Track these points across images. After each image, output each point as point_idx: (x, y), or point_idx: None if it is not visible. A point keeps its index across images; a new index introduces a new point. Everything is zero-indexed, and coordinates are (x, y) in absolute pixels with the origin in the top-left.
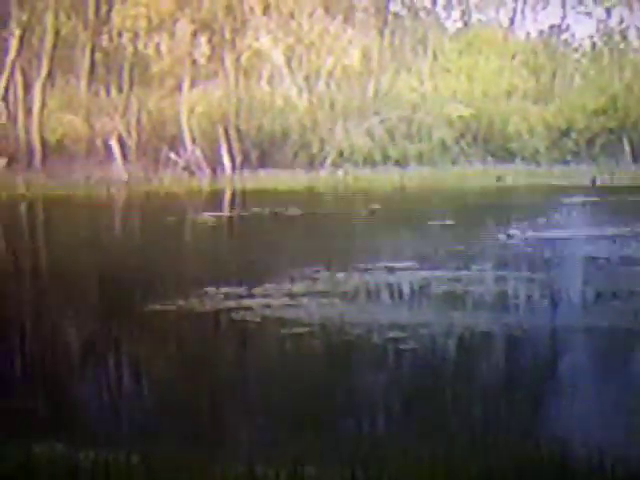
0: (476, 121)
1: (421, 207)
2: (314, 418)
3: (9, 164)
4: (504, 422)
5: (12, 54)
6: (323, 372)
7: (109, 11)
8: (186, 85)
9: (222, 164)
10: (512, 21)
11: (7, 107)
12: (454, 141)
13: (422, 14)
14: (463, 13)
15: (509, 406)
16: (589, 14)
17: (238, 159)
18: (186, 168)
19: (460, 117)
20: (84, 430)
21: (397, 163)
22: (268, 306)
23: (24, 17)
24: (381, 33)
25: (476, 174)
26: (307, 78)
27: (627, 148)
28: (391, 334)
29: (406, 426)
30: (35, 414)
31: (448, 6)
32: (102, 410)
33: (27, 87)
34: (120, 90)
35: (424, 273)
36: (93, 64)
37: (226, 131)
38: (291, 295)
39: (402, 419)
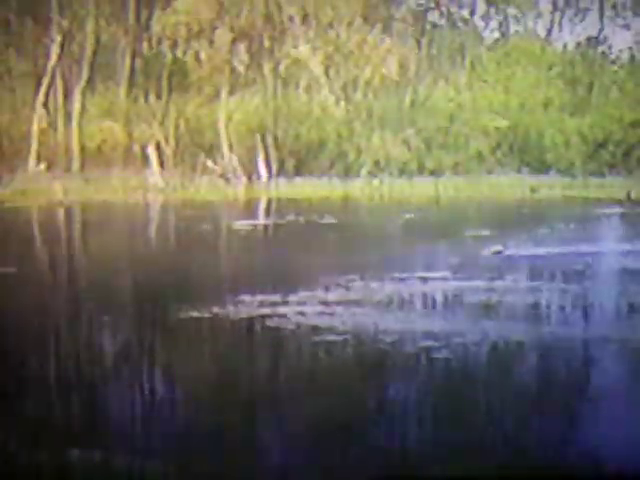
0: (512, 132)
1: (456, 217)
2: (346, 427)
3: (48, 169)
4: (537, 433)
5: (53, 60)
6: (356, 381)
7: (149, 18)
8: (224, 93)
9: (258, 172)
10: (550, 32)
11: (47, 113)
12: (490, 152)
13: (460, 24)
14: (501, 24)
15: (542, 417)
16: (627, 26)
17: (274, 167)
18: (223, 176)
19: (496, 128)
20: (119, 437)
21: (433, 173)
22: (302, 314)
23: (65, 23)
24: (419, 43)
25: (511, 185)
26: (344, 87)
27: None
28: (424, 343)
29: (438, 436)
30: (70, 420)
31: (486, 17)
32: (137, 417)
33: (67, 93)
34: (159, 97)
35: (458, 283)
36: (133, 71)
37: (263, 139)
38: (325, 303)
39: (434, 429)
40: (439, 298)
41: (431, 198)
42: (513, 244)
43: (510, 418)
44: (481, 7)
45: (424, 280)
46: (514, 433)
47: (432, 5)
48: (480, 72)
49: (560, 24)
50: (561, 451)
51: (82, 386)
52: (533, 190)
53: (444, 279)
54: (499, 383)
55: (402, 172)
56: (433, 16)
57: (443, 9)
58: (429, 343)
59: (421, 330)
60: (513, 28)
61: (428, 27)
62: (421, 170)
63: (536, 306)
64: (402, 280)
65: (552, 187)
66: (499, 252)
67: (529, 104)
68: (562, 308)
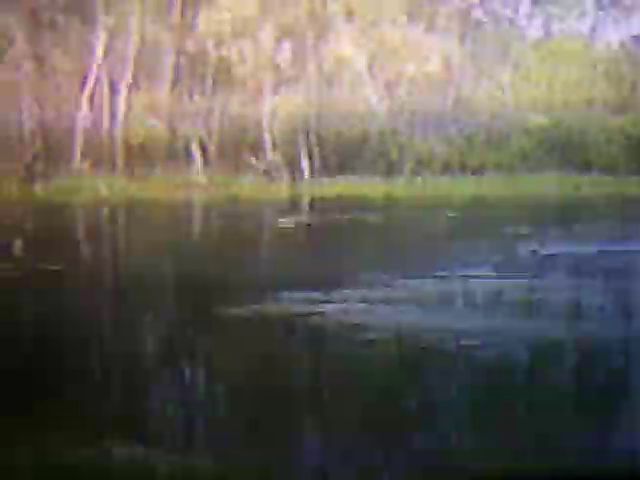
0: (555, 130)
1: (498, 215)
2: (387, 425)
3: (92, 167)
4: (576, 433)
5: (98, 59)
6: (397, 379)
7: (194, 16)
8: (268, 90)
9: (301, 170)
10: (593, 31)
11: (92, 111)
12: (533, 150)
13: (504, 22)
14: (545, 22)
15: (581, 416)
16: None
17: (317, 165)
18: (266, 173)
19: (539, 126)
20: (160, 434)
21: (475, 171)
22: (344, 312)
23: (110, 22)
24: (463, 40)
25: (554, 183)
26: (388, 85)
27: None
28: (465, 341)
29: (477, 435)
30: (112, 417)
31: (530, 15)
32: (179, 413)
33: (112, 91)
34: (203, 95)
35: (499, 281)
36: (177, 69)
37: (306, 137)
38: (367, 301)
39: (473, 428)
40: (480, 296)
41: (473, 196)
42: (554, 242)
43: (550, 417)
44: (525, 5)
45: (465, 278)
46: (554, 432)
47: (476, 3)
48: (523, 70)
49: (604, 22)
50: (600, 451)
51: (124, 383)
52: (576, 188)
53: (485, 277)
54: (539, 382)
55: (444, 170)
56: (477, 14)
57: (487, 7)
58: (470, 341)
59: (462, 328)
60: (557, 26)
61: (472, 25)
62: (463, 168)
63: (577, 304)
64: (443, 278)
65: (595, 185)
66: (535, 252)
67: (572, 102)
68: (603, 306)
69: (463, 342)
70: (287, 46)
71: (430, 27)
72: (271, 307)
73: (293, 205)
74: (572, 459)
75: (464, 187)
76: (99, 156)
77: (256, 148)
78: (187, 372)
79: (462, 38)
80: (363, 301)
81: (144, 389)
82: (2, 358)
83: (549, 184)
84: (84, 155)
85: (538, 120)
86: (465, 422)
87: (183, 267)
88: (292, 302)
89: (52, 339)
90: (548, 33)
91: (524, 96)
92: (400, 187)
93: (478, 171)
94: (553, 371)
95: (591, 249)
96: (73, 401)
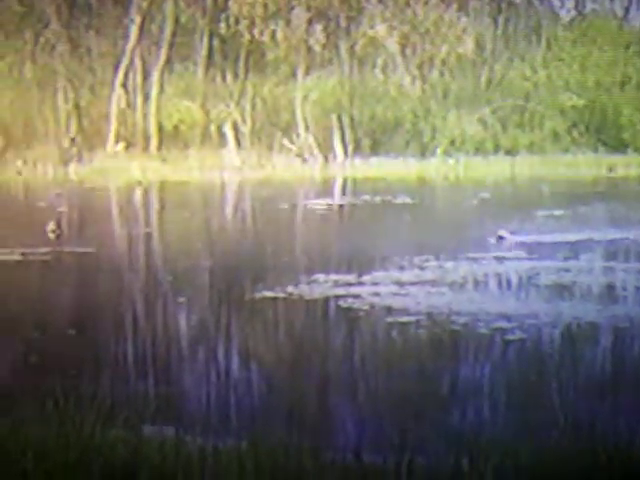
0: (588, 111)
1: (531, 196)
2: (419, 407)
3: (126, 149)
4: (609, 415)
5: (132, 41)
6: (429, 361)
7: None
8: (301, 73)
9: (334, 151)
10: (627, 11)
11: (126, 93)
12: (566, 131)
13: (536, 2)
14: (577, 2)
15: (615, 399)
16: None
17: (350, 147)
18: (299, 155)
19: (573, 106)
20: (194, 416)
21: (508, 152)
22: (376, 294)
23: (144, 5)
24: (495, 21)
25: (587, 164)
26: (421, 66)
27: None
28: (498, 324)
29: (510, 417)
30: (146, 398)
31: None
32: (211, 396)
33: (146, 74)
34: (236, 77)
35: (532, 263)
36: (210, 51)
37: (339, 119)
38: (399, 283)
39: (507, 410)
40: (513, 278)
41: (506, 177)
42: (586, 224)
43: (583, 400)
44: None
45: (499, 260)
46: (587, 415)
47: None
48: (556, 51)
49: (638, 2)
50: (634, 434)
51: (158, 365)
52: (610, 169)
53: (518, 259)
54: (572, 364)
55: (477, 151)
56: None
57: None
58: (502, 324)
59: (495, 311)
60: (590, 6)
61: (504, 5)
62: (496, 149)
63: (610, 287)
64: (476, 260)
65: (628, 166)
66: (501, 237)
67: (606, 83)
68: (637, 289)
69: (495, 324)
70: (320, 28)
71: (463, 8)
72: (303, 290)
73: (326, 187)
74: (606, 441)
75: (497, 168)
76: (133, 138)
77: (289, 130)
78: (217, 354)
79: (495, 19)
80: (395, 283)
81: (178, 370)
82: (34, 341)
83: (582, 165)
84: (118, 137)
85: (571, 101)
86: (497, 403)
87: (215, 250)
88: (324, 284)
89: (83, 322)
90: (581, 13)
91: (557, 77)
92: (433, 168)
93: (511, 152)
94: (586, 353)
95: (623, 231)
96: (107, 381)
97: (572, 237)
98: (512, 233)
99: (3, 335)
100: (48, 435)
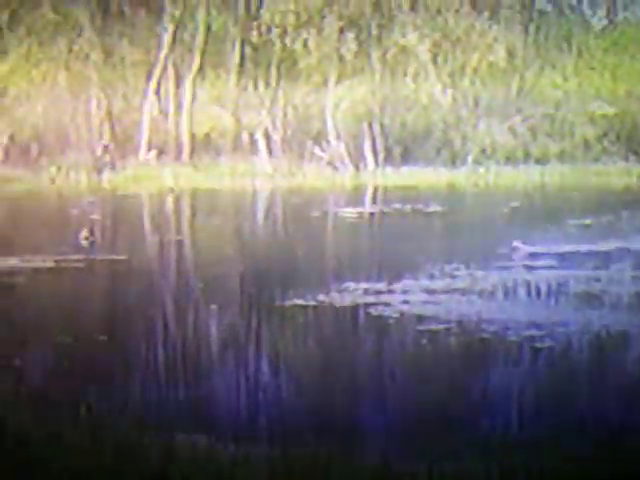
0: (619, 120)
1: (561, 205)
2: (449, 415)
3: (158, 157)
4: (638, 422)
5: (165, 49)
6: (459, 369)
7: (259, 7)
8: (332, 81)
9: (365, 160)
10: None
11: (159, 101)
12: (597, 139)
13: (567, 11)
14: (609, 11)
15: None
16: None
17: (381, 155)
18: (330, 163)
19: (603, 115)
20: (225, 422)
21: (538, 161)
22: (406, 302)
23: (177, 13)
24: (526, 30)
25: (618, 173)
26: (452, 74)
27: None
28: (528, 332)
29: (540, 424)
30: (177, 405)
31: (594, 3)
32: (242, 403)
33: (178, 81)
34: (268, 85)
35: (562, 272)
36: (242, 59)
37: (370, 127)
38: (430, 292)
39: (537, 417)
40: (543, 287)
41: (537, 186)
42: (617, 233)
43: (612, 407)
44: None
45: (529, 269)
46: (616, 422)
47: None
48: (587, 59)
49: None
50: None
51: (190, 371)
52: None
53: (548, 268)
54: (602, 372)
55: (508, 159)
56: (541, 3)
57: None
58: (532, 332)
59: (525, 319)
60: (622, 15)
61: (535, 14)
62: (527, 158)
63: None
64: (507, 269)
65: None
66: (515, 248)
67: (637, 91)
68: None
69: (525, 333)
70: (351, 36)
71: (494, 17)
72: (333, 297)
73: (357, 195)
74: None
75: (527, 177)
76: (165, 146)
77: (320, 138)
78: (252, 360)
79: (526, 27)
80: (426, 291)
81: (209, 377)
82: (67, 347)
83: (613, 174)
84: (151, 145)
85: (602, 109)
86: (526, 411)
87: (246, 257)
88: (354, 292)
89: (115, 328)
90: (613, 22)
91: (588, 86)
92: (463, 177)
93: (541, 161)
94: (615, 362)
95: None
96: (139, 388)
97: (602, 246)
98: (525, 243)
99: (37, 341)
100: (82, 440)
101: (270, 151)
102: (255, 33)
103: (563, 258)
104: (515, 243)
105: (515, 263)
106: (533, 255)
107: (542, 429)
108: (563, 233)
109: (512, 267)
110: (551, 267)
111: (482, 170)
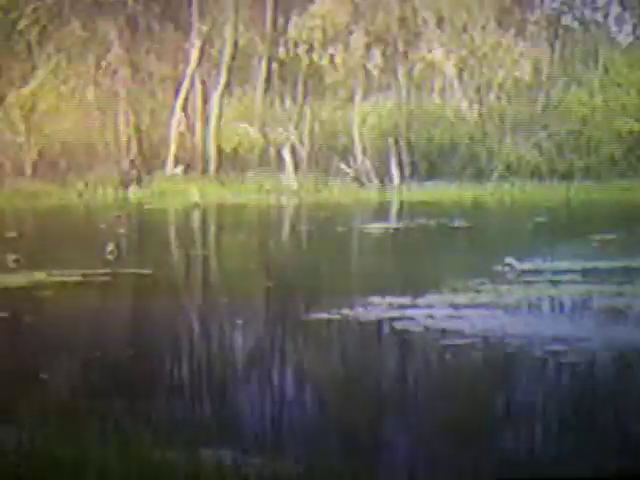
0: None
1: (586, 221)
2: (474, 430)
3: (185, 172)
4: None
5: (193, 65)
6: (483, 384)
7: (286, 23)
8: (358, 96)
9: (391, 175)
10: None
11: (186, 116)
12: (622, 155)
13: (593, 27)
14: (635, 27)
15: None
16: None
17: (406, 170)
18: (355, 178)
19: (629, 132)
20: (250, 437)
21: (564, 176)
22: (431, 317)
23: (205, 29)
24: (552, 46)
25: None
26: (478, 90)
27: None
28: (552, 347)
29: (564, 441)
30: (203, 420)
31: (620, 20)
32: (267, 417)
33: (206, 97)
34: (294, 100)
35: (587, 286)
36: (269, 75)
37: (396, 142)
38: (454, 306)
39: (560, 434)
40: (567, 302)
41: (562, 201)
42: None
43: (636, 423)
44: (615, 10)
45: (553, 283)
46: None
47: (565, 9)
48: (613, 75)
49: None
50: None
51: (214, 385)
52: None
53: (573, 283)
54: (626, 388)
55: (533, 175)
56: (566, 19)
57: (577, 12)
58: (557, 347)
59: (549, 334)
60: None
61: (561, 30)
62: (552, 173)
63: None
64: (531, 283)
65: None
66: (508, 265)
67: None
68: None
69: (550, 347)
70: (378, 52)
71: (520, 33)
72: (358, 312)
73: (382, 210)
74: None
75: (552, 192)
76: (192, 161)
77: (346, 153)
78: (277, 375)
79: (552, 44)
80: (450, 306)
81: (235, 391)
82: (94, 361)
83: (638, 190)
84: (177, 160)
85: (628, 125)
86: (551, 426)
87: (273, 271)
88: (379, 307)
89: (141, 342)
90: (638, 38)
91: (614, 102)
92: (488, 192)
93: (567, 176)
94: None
95: None
96: (165, 403)
97: (627, 261)
98: (519, 260)
99: (64, 355)
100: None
101: (296, 166)
102: (282, 49)
103: (587, 273)
104: (508, 260)
105: (542, 277)
106: (526, 272)
107: (566, 444)
108: (588, 248)
109: (536, 282)
110: (575, 282)
111: (507, 185)
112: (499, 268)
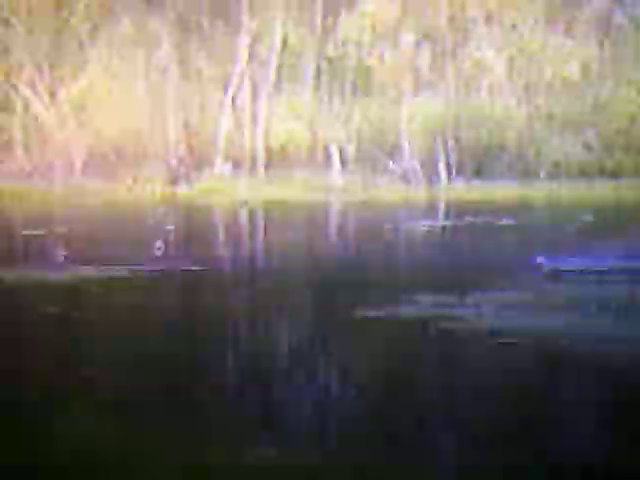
0: None
1: (635, 219)
2: (524, 429)
3: (233, 169)
4: None
5: (242, 63)
6: (532, 382)
7: (335, 21)
8: (407, 95)
9: (438, 174)
10: None
11: (235, 114)
12: None
13: None
14: None
15: None
16: None
17: (454, 169)
18: (403, 177)
19: None
20: (294, 435)
21: (613, 175)
22: (478, 315)
23: (254, 27)
24: (602, 44)
25: None
26: (526, 89)
27: None
28: (600, 346)
29: (609, 441)
30: (250, 416)
31: None
32: (313, 414)
33: (254, 95)
34: (343, 98)
35: (634, 286)
36: (318, 73)
37: (444, 141)
38: (502, 305)
39: (606, 433)
40: (614, 302)
41: (610, 200)
42: None
43: None
44: None
45: (600, 283)
46: None
47: (616, 7)
48: None
49: None
50: None
51: (262, 381)
52: None
53: (619, 282)
54: None
55: (582, 174)
56: (617, 18)
57: (627, 10)
58: (605, 346)
59: (597, 333)
60: None
61: (611, 29)
62: (601, 172)
63: None
64: (579, 283)
65: None
66: (540, 264)
67: None
68: None
69: (598, 347)
70: (427, 50)
71: (569, 32)
72: (405, 310)
73: (429, 209)
74: None
75: (601, 191)
76: (241, 158)
77: (394, 152)
78: (318, 374)
79: (601, 42)
80: (498, 304)
81: (280, 387)
82: (144, 357)
83: None
84: (226, 157)
85: None
86: (601, 425)
87: (318, 269)
88: (426, 305)
89: (188, 339)
90: None
91: None
92: (536, 191)
93: (615, 175)
94: None
95: None
96: (214, 398)
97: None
98: (549, 259)
99: (116, 349)
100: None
101: (344, 164)
102: (331, 47)
103: (635, 272)
104: (539, 259)
105: (588, 277)
106: (572, 271)
107: (614, 440)
108: (636, 248)
109: (582, 280)
110: (622, 281)
111: (555, 184)
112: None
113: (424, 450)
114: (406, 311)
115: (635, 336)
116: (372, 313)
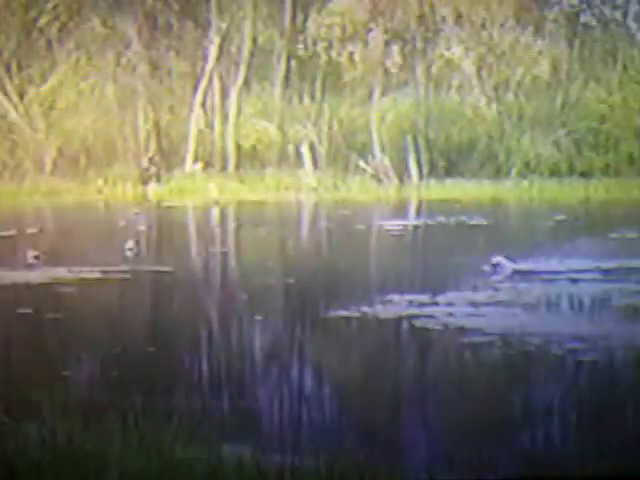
0: None
1: (605, 219)
2: (492, 428)
3: (204, 169)
4: None
5: (211, 62)
6: (502, 382)
7: (305, 20)
8: (377, 94)
9: (409, 173)
10: None
11: (205, 113)
12: None
13: (612, 25)
14: None
15: None
16: None
17: (425, 168)
18: (374, 176)
19: None
20: (270, 433)
21: (583, 174)
22: (450, 314)
23: (224, 26)
24: (571, 44)
25: None
26: (496, 88)
27: None
28: (571, 345)
29: (582, 438)
30: (222, 416)
31: (639, 18)
32: (285, 415)
33: (224, 94)
34: (313, 98)
35: (606, 285)
36: (288, 72)
37: (414, 140)
38: (473, 304)
39: (578, 431)
40: (587, 300)
41: (581, 200)
42: None
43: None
44: (634, 8)
45: (573, 281)
46: None
47: (584, 7)
48: (632, 73)
49: None
50: None
51: (234, 382)
52: None
53: (593, 281)
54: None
55: (552, 173)
56: (585, 17)
57: (596, 10)
58: (576, 345)
59: (568, 332)
60: None
61: (580, 28)
62: (571, 171)
63: None
64: (551, 281)
65: None
66: (497, 265)
67: None
68: None
69: (569, 346)
70: (396, 50)
71: (539, 31)
72: (377, 309)
73: (401, 208)
74: None
75: (572, 190)
76: (211, 158)
77: (365, 151)
78: (296, 371)
79: (571, 42)
80: (469, 304)
81: (254, 388)
82: (114, 357)
83: None
84: (196, 157)
85: None
86: (570, 424)
87: (289, 269)
88: (398, 304)
89: (162, 339)
90: None
91: (633, 99)
92: (507, 190)
93: (586, 174)
94: None
95: None
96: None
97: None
98: (509, 259)
99: (84, 352)
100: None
101: (315, 164)
102: (301, 46)
103: (607, 271)
104: (496, 259)
105: (562, 276)
106: (518, 273)
107: (583, 441)
108: (607, 246)
109: (556, 280)
110: (595, 280)
111: (526, 183)
112: (486, 267)
113: (397, 448)
114: (379, 310)
115: (608, 334)
116: (344, 313)
